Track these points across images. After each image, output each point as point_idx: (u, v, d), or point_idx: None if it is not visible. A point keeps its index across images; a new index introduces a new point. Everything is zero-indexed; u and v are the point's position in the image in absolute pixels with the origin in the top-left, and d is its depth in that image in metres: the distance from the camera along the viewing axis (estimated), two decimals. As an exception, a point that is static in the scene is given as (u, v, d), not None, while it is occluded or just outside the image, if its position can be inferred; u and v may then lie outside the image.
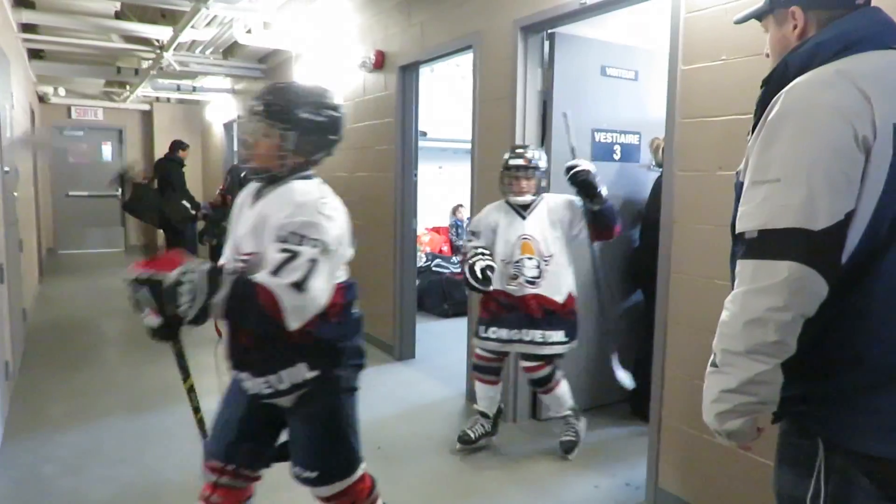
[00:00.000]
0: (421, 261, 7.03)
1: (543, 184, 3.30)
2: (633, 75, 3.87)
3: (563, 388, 3.37)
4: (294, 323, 1.67)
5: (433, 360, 5.08)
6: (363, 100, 5.46)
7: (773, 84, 1.28)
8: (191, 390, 2.19)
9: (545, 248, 3.20)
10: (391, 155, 4.98)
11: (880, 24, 1.27)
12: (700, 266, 2.66)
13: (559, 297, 3.21)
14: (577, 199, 3.20)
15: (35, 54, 7.98)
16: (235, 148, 9.93)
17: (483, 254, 3.18)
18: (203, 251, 8.76)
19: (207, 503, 2.13)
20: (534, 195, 3.25)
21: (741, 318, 1.17)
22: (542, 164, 3.26)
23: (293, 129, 1.85)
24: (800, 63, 1.25)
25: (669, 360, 2.82)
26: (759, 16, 1.43)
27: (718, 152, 2.56)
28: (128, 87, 9.84)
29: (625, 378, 3.30)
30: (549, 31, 3.58)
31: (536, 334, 3.19)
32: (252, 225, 1.85)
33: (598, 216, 3.15)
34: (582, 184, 3.07)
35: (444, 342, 5.44)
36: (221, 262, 2.01)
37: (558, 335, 3.19)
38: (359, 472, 2.09)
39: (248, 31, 6.14)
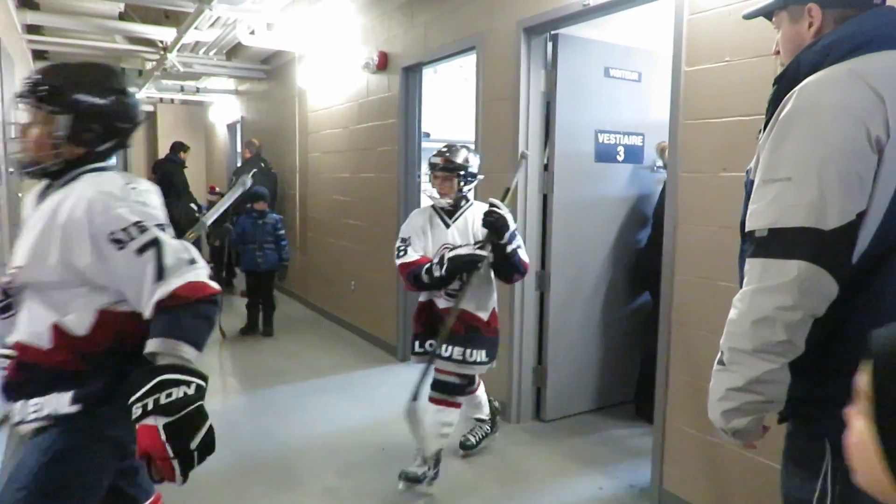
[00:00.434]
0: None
1: (467, 189, 3.02)
2: (636, 77, 3.87)
3: (481, 393, 3.33)
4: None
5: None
6: (366, 101, 5.46)
7: (785, 82, 1.27)
8: None
9: None
10: (394, 156, 4.99)
11: (895, 23, 1.25)
12: (704, 268, 2.65)
13: (483, 314, 3.00)
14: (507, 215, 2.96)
15: (39, 55, 8.00)
16: (239, 149, 9.95)
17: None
18: (201, 251, 8.80)
19: None
20: (452, 199, 2.99)
21: (749, 317, 1.16)
22: (469, 167, 2.99)
23: (66, 114, 1.54)
24: (812, 61, 1.23)
25: (674, 362, 2.81)
26: (770, 11, 1.39)
27: (722, 154, 2.56)
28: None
29: None
30: (553, 32, 3.58)
31: (456, 351, 2.95)
32: (38, 232, 1.51)
33: (499, 263, 2.89)
34: (489, 226, 2.79)
35: (447, 343, 5.44)
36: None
37: (480, 355, 2.96)
38: None
39: (252, 33, 6.15)
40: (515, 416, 3.79)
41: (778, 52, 1.40)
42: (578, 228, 3.76)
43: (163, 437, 1.37)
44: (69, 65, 1.69)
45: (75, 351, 1.53)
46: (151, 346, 1.42)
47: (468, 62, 4.41)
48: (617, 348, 3.97)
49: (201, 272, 1.50)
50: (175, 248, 1.49)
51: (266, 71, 8.08)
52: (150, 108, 11.70)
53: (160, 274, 1.44)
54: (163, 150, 10.54)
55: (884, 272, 1.14)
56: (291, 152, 7.30)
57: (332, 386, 4.46)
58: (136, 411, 1.37)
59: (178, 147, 7.98)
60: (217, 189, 8.87)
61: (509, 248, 2.83)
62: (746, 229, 1.23)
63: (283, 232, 5.80)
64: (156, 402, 1.36)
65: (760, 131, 1.30)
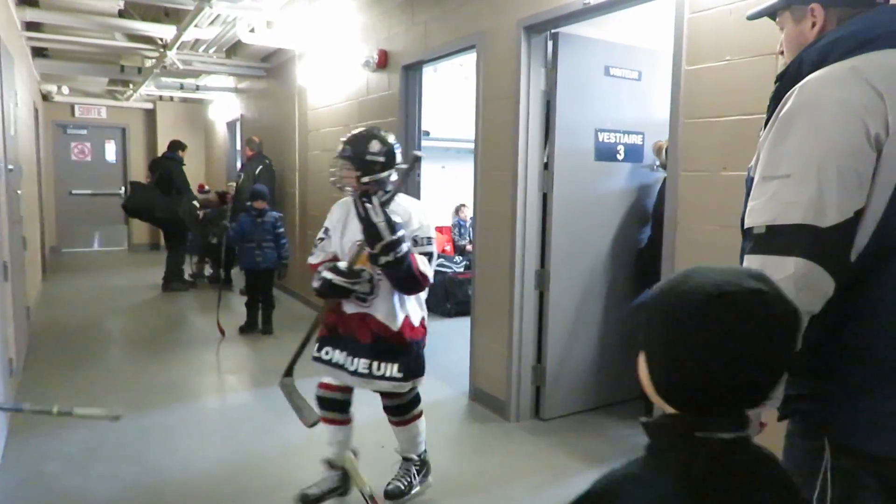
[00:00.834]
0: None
1: (368, 178, 2.66)
2: (636, 75, 3.87)
3: (421, 426, 2.92)
4: None
5: (436, 359, 5.04)
6: (366, 99, 5.46)
7: (787, 79, 1.27)
8: None
9: None
10: (394, 154, 4.98)
11: None
12: (703, 267, 2.65)
13: (393, 323, 2.65)
14: (421, 217, 2.69)
15: (39, 52, 7.99)
16: (238, 147, 9.94)
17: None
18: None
19: None
20: (356, 190, 2.67)
21: None
22: (373, 156, 2.66)
23: None
24: (815, 59, 1.23)
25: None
26: (773, 11, 1.40)
27: (722, 153, 2.56)
28: (131, 86, 9.86)
29: None
30: (553, 31, 3.58)
31: (362, 364, 2.66)
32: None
33: (383, 272, 2.56)
34: (364, 221, 2.53)
35: (447, 341, 5.43)
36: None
37: (390, 368, 2.65)
38: None
39: (252, 30, 6.15)
40: (515, 415, 3.79)
41: (782, 52, 1.41)
42: (578, 227, 3.77)
43: None
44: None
45: None
46: None
47: (468, 61, 4.41)
48: (616, 347, 3.98)
49: None
50: None
51: (266, 69, 8.08)
52: (149, 105, 11.70)
53: None
54: (162, 148, 10.54)
55: (883, 272, 1.14)
56: (291, 150, 7.30)
57: (332, 384, 4.46)
58: None
59: (176, 146, 7.99)
60: (207, 188, 8.86)
61: (382, 260, 2.49)
62: (745, 226, 1.23)
63: (282, 230, 5.80)
64: None
65: (762, 128, 1.30)
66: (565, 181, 3.68)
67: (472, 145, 4.14)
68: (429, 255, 2.66)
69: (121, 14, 6.43)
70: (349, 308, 2.70)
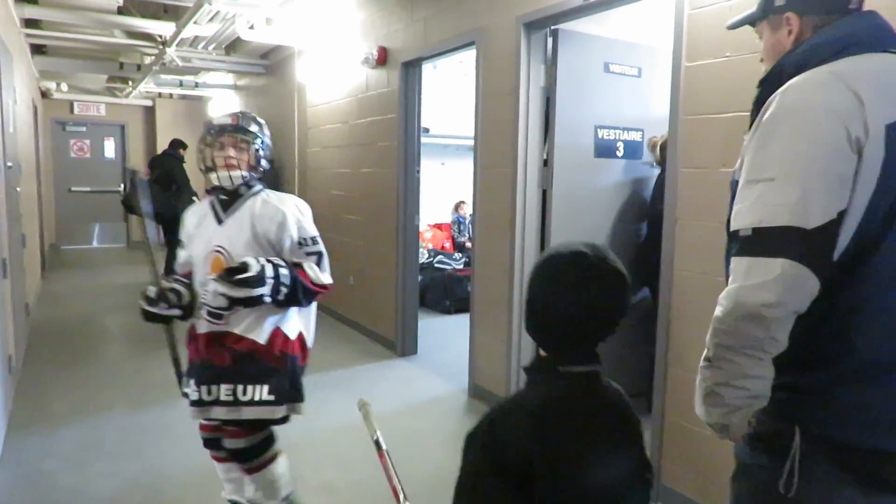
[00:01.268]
0: (423, 257, 7.03)
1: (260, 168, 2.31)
2: (636, 72, 3.86)
3: (280, 468, 2.44)
4: None
5: (435, 356, 5.08)
6: (366, 96, 5.45)
7: (769, 85, 1.30)
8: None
9: None
10: (394, 151, 4.98)
11: (876, 27, 1.29)
12: (703, 263, 2.65)
13: (258, 335, 2.22)
14: (297, 214, 2.28)
15: (37, 50, 7.98)
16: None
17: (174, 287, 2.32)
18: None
19: None
20: (245, 177, 2.24)
21: (735, 314, 1.18)
22: (265, 138, 2.35)
23: None
24: (796, 64, 1.27)
25: (672, 357, 2.82)
26: (752, 21, 1.45)
27: (722, 149, 2.56)
28: (130, 83, 9.85)
29: None
30: (553, 27, 3.57)
31: (224, 390, 2.21)
32: None
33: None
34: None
35: (447, 338, 5.44)
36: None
37: (258, 391, 2.21)
38: None
39: (251, 27, 6.13)
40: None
41: (763, 60, 1.45)
42: (578, 224, 3.76)
43: None
44: None
45: None
46: None
47: (468, 57, 4.41)
48: (616, 343, 3.95)
49: None
50: None
51: (265, 66, 8.07)
52: (148, 102, 11.68)
53: None
54: (161, 146, 10.52)
55: (862, 269, 1.17)
56: (290, 147, 7.29)
57: (331, 381, 4.46)
58: None
59: (177, 144, 7.99)
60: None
61: (240, 294, 2.09)
62: (731, 229, 1.25)
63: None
64: None
65: (746, 132, 1.33)
66: (565, 178, 3.68)
67: (471, 142, 4.14)
68: (317, 256, 2.27)
69: (120, 11, 6.40)
70: (201, 327, 2.27)
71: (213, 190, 2.28)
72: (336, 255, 6.17)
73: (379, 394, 4.17)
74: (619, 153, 3.89)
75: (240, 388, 2.21)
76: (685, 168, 2.72)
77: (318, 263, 2.28)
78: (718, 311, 1.22)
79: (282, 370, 2.26)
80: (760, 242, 1.17)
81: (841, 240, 1.16)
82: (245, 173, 2.24)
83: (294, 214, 2.25)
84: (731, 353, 1.19)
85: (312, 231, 2.29)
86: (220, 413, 2.24)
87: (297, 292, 2.18)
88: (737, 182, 1.29)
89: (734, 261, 1.22)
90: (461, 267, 7.03)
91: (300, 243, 2.24)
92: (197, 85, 9.62)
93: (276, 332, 2.26)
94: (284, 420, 2.33)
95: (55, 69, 8.78)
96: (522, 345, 3.77)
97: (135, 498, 2.90)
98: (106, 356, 5.09)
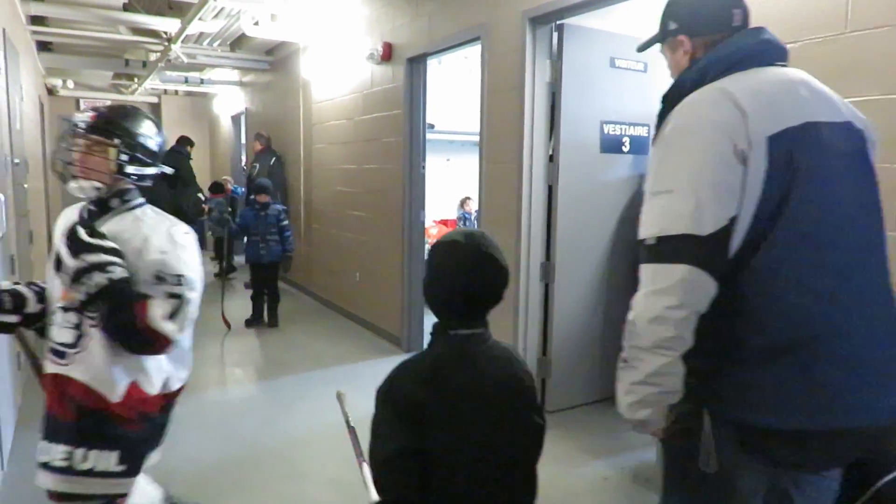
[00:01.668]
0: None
1: (134, 176, 1.88)
2: (642, 67, 3.84)
3: None
4: None
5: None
6: (371, 92, 5.45)
7: (669, 101, 1.43)
8: None
9: None
10: (399, 147, 4.98)
11: (763, 43, 1.42)
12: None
13: (109, 391, 1.78)
14: (164, 244, 1.80)
15: (44, 46, 8.00)
16: (243, 140, 9.95)
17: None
18: (204, 245, 8.80)
19: None
20: (106, 188, 1.86)
21: (644, 317, 1.29)
22: (146, 139, 1.91)
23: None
24: (692, 81, 1.41)
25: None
26: (656, 43, 1.63)
27: (729, 144, 2.54)
28: (136, 80, 9.87)
29: None
30: (558, 22, 3.56)
31: (57, 453, 1.79)
32: None
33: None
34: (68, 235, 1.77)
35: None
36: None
37: (104, 460, 1.79)
38: None
39: (256, 23, 6.14)
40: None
41: (672, 76, 1.59)
42: (584, 219, 3.75)
43: None
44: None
45: None
46: None
47: (473, 53, 4.39)
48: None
49: None
50: None
51: (270, 62, 8.07)
52: (154, 99, 11.71)
53: None
54: (167, 142, 10.55)
55: (750, 265, 1.28)
56: (296, 144, 7.30)
57: (337, 377, 4.48)
58: None
59: (184, 141, 8.01)
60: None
61: (79, 291, 1.70)
62: (639, 238, 1.35)
63: (286, 223, 5.80)
64: None
65: (650, 146, 1.44)
66: (571, 173, 3.67)
67: (476, 138, 4.13)
68: (176, 302, 1.75)
69: (125, 7, 6.42)
70: (49, 366, 1.84)
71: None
72: (341, 251, 6.20)
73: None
74: (626, 148, 3.87)
75: (79, 452, 1.77)
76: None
77: (175, 312, 1.75)
78: (630, 315, 1.33)
79: (134, 432, 1.84)
80: (662, 250, 1.28)
81: (735, 240, 1.27)
82: (99, 184, 1.83)
83: (160, 243, 1.78)
84: (643, 353, 1.30)
85: (182, 269, 1.78)
86: (45, 482, 1.81)
87: (120, 313, 1.70)
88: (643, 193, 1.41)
89: (642, 268, 1.32)
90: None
91: (158, 277, 1.74)
92: (202, 81, 9.64)
93: (133, 389, 1.82)
94: (123, 497, 1.87)
95: (61, 66, 8.81)
96: (528, 340, 3.77)
97: (142, 493, 2.91)
98: (113, 352, 5.11)
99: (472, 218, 8.18)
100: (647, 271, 1.31)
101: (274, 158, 7.44)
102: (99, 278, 1.67)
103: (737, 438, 1.31)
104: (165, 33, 6.76)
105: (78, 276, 1.68)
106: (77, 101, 11.23)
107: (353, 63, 5.72)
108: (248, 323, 5.81)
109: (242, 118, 9.75)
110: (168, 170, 2.03)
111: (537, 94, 3.63)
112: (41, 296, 1.96)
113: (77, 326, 1.78)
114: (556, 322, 3.75)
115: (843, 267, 1.29)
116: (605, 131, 3.78)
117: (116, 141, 1.83)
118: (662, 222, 1.29)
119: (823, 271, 1.27)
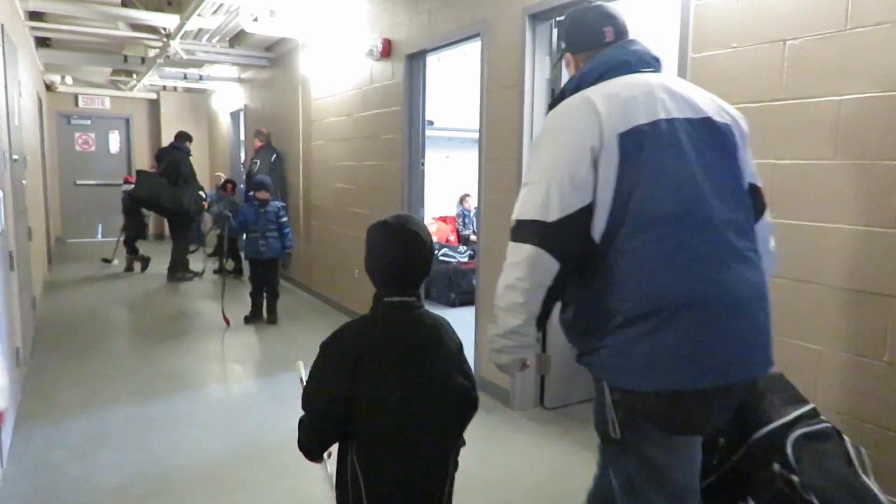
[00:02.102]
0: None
1: None
2: (642, 63, 3.84)
3: None
4: None
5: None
6: (370, 88, 5.44)
7: (554, 105, 1.66)
8: None
9: None
10: (398, 144, 4.97)
11: (630, 54, 1.66)
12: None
13: None
14: None
15: (42, 42, 7.98)
16: (242, 137, 9.93)
17: None
18: (204, 241, 8.80)
19: None
20: None
21: (502, 285, 1.55)
22: None
23: None
24: (571, 89, 1.65)
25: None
26: (556, 61, 1.92)
27: (728, 141, 2.54)
28: (134, 76, 9.85)
29: None
30: (558, 18, 3.55)
31: None
32: None
33: None
34: None
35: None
36: None
37: None
38: None
39: (255, 19, 6.13)
40: (519, 404, 3.80)
41: None
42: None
43: None
44: None
45: None
46: None
47: (473, 49, 4.39)
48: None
49: None
50: None
51: (269, 58, 8.06)
52: (153, 95, 11.69)
53: None
54: (165, 139, 10.54)
55: (614, 248, 1.48)
56: (295, 140, 7.29)
57: (336, 373, 4.47)
58: None
59: (183, 136, 7.99)
60: (131, 179, 8.87)
61: None
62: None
63: (285, 220, 5.80)
64: None
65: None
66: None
67: (476, 135, 4.12)
68: None
69: (123, 3, 6.41)
70: None
71: None
72: (340, 247, 6.19)
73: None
74: (625, 145, 3.86)
75: None
76: (691, 160, 2.71)
77: None
78: (498, 282, 1.57)
79: None
80: (517, 231, 1.53)
81: (598, 225, 1.48)
82: None
83: None
84: (502, 312, 1.56)
85: None
86: None
87: None
88: None
89: (508, 245, 1.55)
90: (466, 260, 7.03)
91: None
92: (201, 78, 9.62)
93: None
94: None
95: (60, 62, 8.79)
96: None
97: (141, 489, 2.91)
98: (112, 349, 5.11)
99: (472, 215, 8.18)
100: (508, 247, 1.54)
101: (274, 155, 7.43)
102: None
103: (628, 403, 1.52)
104: (164, 29, 6.75)
105: None
106: (76, 97, 11.22)
107: (352, 59, 5.71)
108: (248, 320, 5.80)
109: (241, 115, 9.74)
110: None
111: (537, 91, 3.62)
112: None
113: None
114: (555, 319, 3.74)
115: (698, 243, 1.45)
116: (605, 128, 3.77)
117: None
118: (520, 209, 1.53)
119: (677, 248, 1.45)
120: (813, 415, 1.81)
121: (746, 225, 1.54)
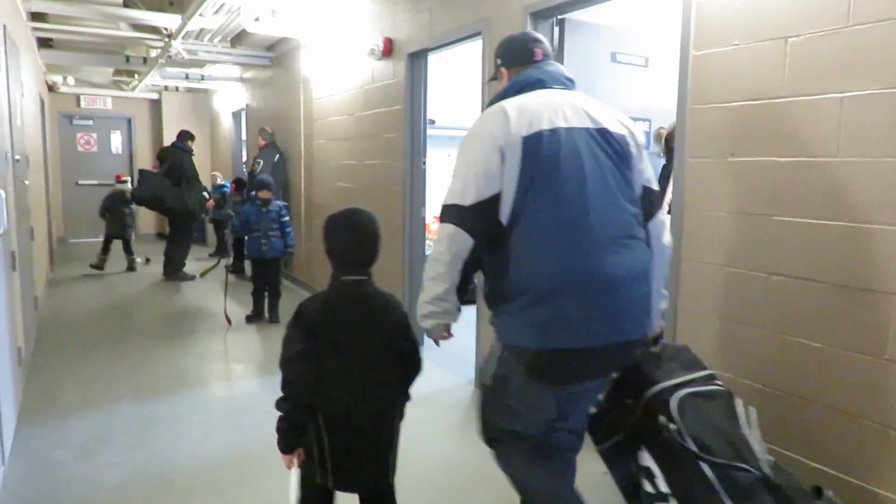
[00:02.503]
0: (429, 249, 7.02)
1: None
2: (643, 62, 3.84)
3: None
4: None
5: (441, 347, 5.06)
6: (372, 87, 5.44)
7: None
8: None
9: None
10: (400, 143, 4.97)
11: (545, 73, 1.98)
12: (711, 253, 2.64)
13: None
14: None
15: (44, 43, 8.00)
16: (244, 136, 9.93)
17: None
18: (205, 241, 8.80)
19: None
20: None
21: (430, 257, 1.87)
22: None
23: None
24: (497, 99, 1.96)
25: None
26: (496, 76, 2.16)
27: (730, 138, 2.54)
28: (136, 76, 9.86)
29: None
30: (559, 16, 3.55)
31: None
32: None
33: None
34: None
35: (453, 330, 5.44)
36: None
37: None
38: None
39: (256, 19, 6.13)
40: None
41: None
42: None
43: None
44: None
45: None
46: None
47: (474, 48, 4.38)
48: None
49: None
50: None
51: (271, 58, 8.06)
52: (154, 95, 11.70)
53: None
54: (167, 139, 10.55)
55: (516, 230, 1.79)
56: (296, 140, 7.29)
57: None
58: None
59: (185, 136, 7.99)
60: (123, 177, 8.87)
61: None
62: None
63: (287, 219, 5.80)
64: None
65: None
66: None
67: None
68: None
69: (125, 4, 6.42)
70: None
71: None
72: (342, 247, 6.18)
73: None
74: (626, 144, 3.86)
75: None
76: (692, 158, 2.71)
77: None
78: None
79: None
80: (443, 213, 1.86)
81: (505, 210, 1.79)
82: None
83: None
84: (428, 281, 1.89)
85: None
86: None
87: None
88: None
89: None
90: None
91: None
92: (203, 78, 9.62)
93: None
94: None
95: (61, 63, 8.80)
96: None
97: (143, 488, 2.91)
98: (114, 348, 5.12)
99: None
100: (439, 227, 1.85)
101: (278, 154, 7.41)
102: None
103: (519, 360, 1.87)
104: (166, 29, 6.75)
105: None
106: (77, 97, 11.23)
107: (353, 59, 5.71)
108: (249, 319, 5.81)
109: (243, 114, 9.74)
110: None
111: (538, 90, 3.61)
112: None
113: None
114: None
115: (584, 227, 1.76)
116: (606, 126, 3.77)
117: None
118: (447, 196, 1.85)
119: (565, 231, 1.76)
120: (707, 378, 2.08)
121: (632, 219, 1.85)
